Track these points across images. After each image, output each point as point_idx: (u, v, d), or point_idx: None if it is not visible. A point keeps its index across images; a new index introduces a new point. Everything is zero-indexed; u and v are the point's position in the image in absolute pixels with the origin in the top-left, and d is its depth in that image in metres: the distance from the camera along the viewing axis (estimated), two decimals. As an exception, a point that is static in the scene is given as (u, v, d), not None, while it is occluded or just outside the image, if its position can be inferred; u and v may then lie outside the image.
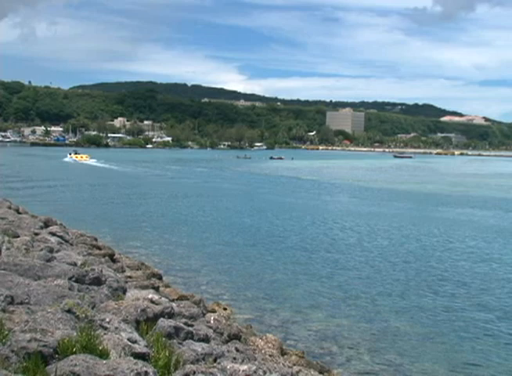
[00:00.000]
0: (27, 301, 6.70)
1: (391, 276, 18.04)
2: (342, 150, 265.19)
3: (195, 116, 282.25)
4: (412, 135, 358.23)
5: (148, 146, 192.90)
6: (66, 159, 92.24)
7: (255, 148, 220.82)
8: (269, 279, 17.29)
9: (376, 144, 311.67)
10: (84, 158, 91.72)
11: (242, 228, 27.33)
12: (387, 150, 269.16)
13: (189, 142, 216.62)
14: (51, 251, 10.41)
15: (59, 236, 13.29)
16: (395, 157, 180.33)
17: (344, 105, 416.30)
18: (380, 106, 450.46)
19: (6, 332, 5.10)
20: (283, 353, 9.10)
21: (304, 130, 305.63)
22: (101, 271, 8.81)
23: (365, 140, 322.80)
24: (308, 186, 54.83)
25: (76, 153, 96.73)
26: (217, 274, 17.58)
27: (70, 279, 8.11)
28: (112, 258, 13.76)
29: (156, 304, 7.34)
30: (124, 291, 8.73)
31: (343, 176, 71.05)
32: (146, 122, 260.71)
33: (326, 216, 32.36)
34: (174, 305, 8.08)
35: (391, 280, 17.50)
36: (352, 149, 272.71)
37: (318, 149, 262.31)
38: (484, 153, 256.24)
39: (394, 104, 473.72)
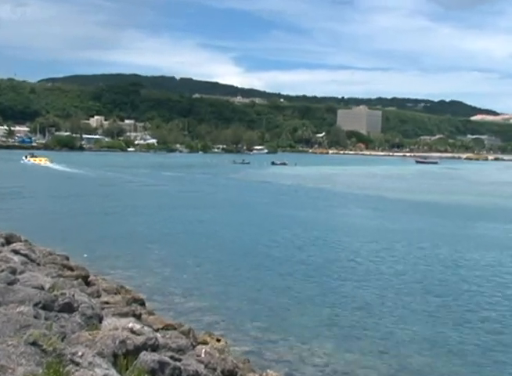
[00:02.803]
0: (-16, 331, 6.63)
1: (410, 305, 17.95)
2: (355, 154, 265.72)
3: (184, 114, 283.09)
4: (437, 137, 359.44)
5: (129, 149, 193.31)
6: (23, 162, 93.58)
7: (254, 152, 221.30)
8: (270, 305, 17.24)
9: (396, 148, 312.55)
10: (44, 162, 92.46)
11: (238, 245, 27.32)
12: (408, 154, 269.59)
13: (178, 145, 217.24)
14: (13, 272, 10.36)
15: (23, 255, 13.23)
16: (418, 162, 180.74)
17: (358, 102, 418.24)
18: (401, 103, 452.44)
19: (-41, 368, 5.05)
20: (286, 393, 9.02)
21: (311, 131, 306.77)
22: (73, 296, 8.76)
23: (382, 143, 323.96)
24: (315, 196, 54.95)
25: (33, 156, 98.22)
26: (209, 299, 17.53)
27: (35, 305, 8.06)
28: (86, 280, 13.70)
29: (138, 334, 7.29)
30: (100, 320, 8.67)
31: (356, 185, 71.15)
32: (127, 121, 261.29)
33: (335, 232, 32.37)
34: (158, 335, 8.03)
35: (410, 309, 17.42)
36: (367, 153, 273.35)
37: (327, 153, 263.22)
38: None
39: (417, 101, 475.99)
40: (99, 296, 12.27)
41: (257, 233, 31.43)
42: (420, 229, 34.44)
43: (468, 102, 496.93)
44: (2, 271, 10.12)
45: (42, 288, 9.36)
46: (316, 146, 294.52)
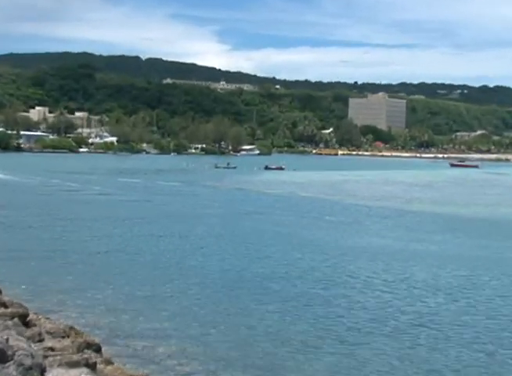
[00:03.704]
0: None
1: (447, 353, 17.78)
2: (372, 155, 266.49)
3: (153, 105, 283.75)
4: (478, 133, 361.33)
5: (82, 149, 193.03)
6: None
7: (243, 153, 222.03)
8: (263, 350, 17.23)
9: (424, 147, 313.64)
10: None
11: (222, 273, 27.29)
12: (440, 155, 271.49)
13: (144, 145, 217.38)
14: None
15: None
16: (453, 166, 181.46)
17: (375, 88, 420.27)
18: (430, 89, 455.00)
19: None
20: None
21: (315, 126, 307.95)
22: (6, 340, 8.71)
23: (407, 141, 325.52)
24: (319, 210, 55.17)
25: None
26: (183, 342, 17.48)
27: (-42, 352, 8.00)
28: (24, 319, 13.60)
29: (91, 390, 7.25)
30: (43, 371, 8.63)
31: (373, 196, 71.64)
32: (78, 114, 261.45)
33: (345, 256, 32.40)
34: (118, 391, 7.99)
35: (448, 359, 17.25)
36: (388, 154, 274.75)
37: (336, 154, 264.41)
38: None
39: (452, 87, 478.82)
40: (41, 340, 12.19)
41: (241, 257, 31.35)
42: (456, 253, 34.49)
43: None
44: None
45: (-33, 330, 9.30)
46: (322, 145, 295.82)
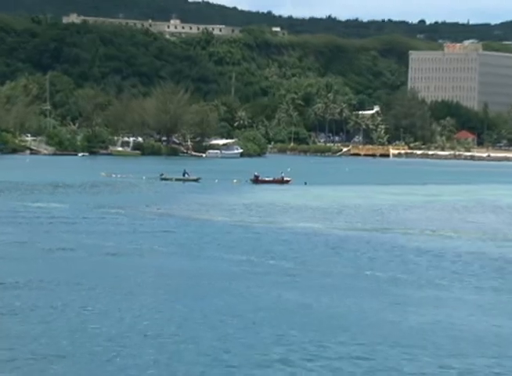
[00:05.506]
0: None
1: None
2: (454, 156, 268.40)
3: (44, 64, 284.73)
4: None
5: None
6: None
7: (212, 153, 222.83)
8: None
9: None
10: None
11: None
12: None
13: (28, 138, 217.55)
14: None
15: None
16: None
17: (458, 33, 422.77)
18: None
19: None
20: None
21: (346, 103, 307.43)
22: None
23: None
24: (356, 258, 55.44)
25: None
26: None
27: None
28: None
29: None
30: None
31: (454, 231, 72.42)
32: None
33: (407, 348, 31.14)
34: None
35: None
36: (482, 154, 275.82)
37: (386, 155, 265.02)
38: None
39: None
40: None
41: (222, 345, 30.13)
42: None
43: None
44: None
45: None
46: (359, 138, 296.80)
